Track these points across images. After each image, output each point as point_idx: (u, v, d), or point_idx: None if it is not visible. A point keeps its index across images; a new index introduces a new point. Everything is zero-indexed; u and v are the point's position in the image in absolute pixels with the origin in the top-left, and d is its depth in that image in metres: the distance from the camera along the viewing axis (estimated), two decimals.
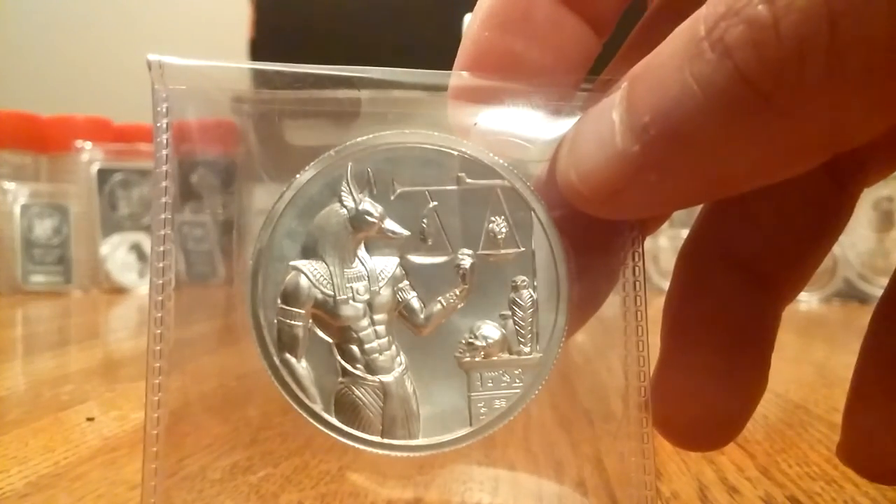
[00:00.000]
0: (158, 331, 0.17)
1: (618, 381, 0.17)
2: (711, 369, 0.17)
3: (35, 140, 0.86)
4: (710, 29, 0.12)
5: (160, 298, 0.17)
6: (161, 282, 0.17)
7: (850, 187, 0.18)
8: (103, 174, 0.85)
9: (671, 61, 0.13)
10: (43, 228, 0.82)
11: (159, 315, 0.17)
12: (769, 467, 0.24)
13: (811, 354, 0.49)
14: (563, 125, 0.17)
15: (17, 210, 0.82)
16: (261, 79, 0.17)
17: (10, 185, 0.82)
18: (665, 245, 0.80)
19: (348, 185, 0.17)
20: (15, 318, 0.68)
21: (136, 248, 0.84)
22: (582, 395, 0.24)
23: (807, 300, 0.80)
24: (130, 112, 0.83)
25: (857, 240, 0.79)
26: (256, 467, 0.21)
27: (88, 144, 0.85)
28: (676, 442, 0.18)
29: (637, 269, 0.17)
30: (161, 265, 0.17)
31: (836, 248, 0.78)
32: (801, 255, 0.18)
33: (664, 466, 0.24)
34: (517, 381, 0.17)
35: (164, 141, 0.17)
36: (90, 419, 0.30)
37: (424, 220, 0.17)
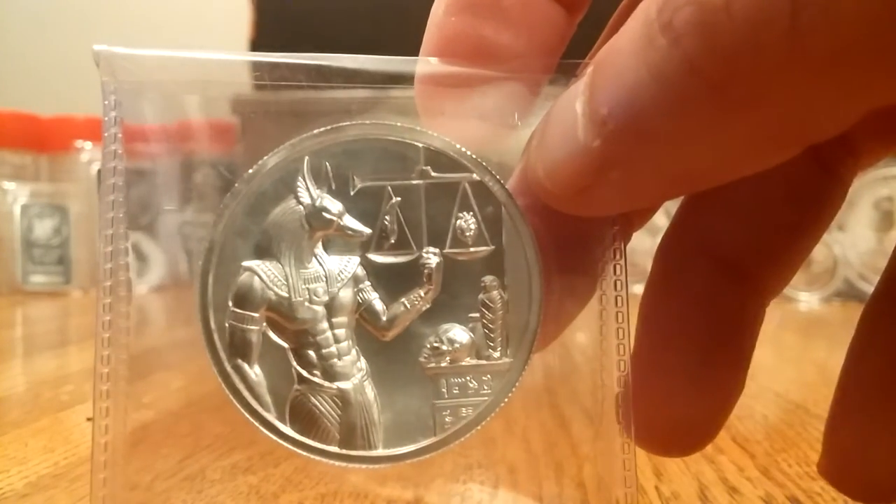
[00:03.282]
0: (107, 335, 0.16)
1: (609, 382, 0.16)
2: (684, 369, 0.16)
3: (35, 140, 0.87)
4: (660, 10, 0.11)
5: (108, 301, 0.16)
6: (108, 284, 0.16)
7: (840, 173, 0.17)
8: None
9: (628, 46, 0.12)
10: (43, 228, 0.82)
11: (108, 319, 0.16)
12: (769, 467, 0.23)
13: (811, 354, 0.49)
14: (536, 114, 0.16)
15: (17, 210, 0.82)
16: (219, 69, 0.16)
17: (10, 185, 0.83)
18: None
19: (304, 179, 0.16)
20: (15, 318, 0.69)
21: (135, 249, 0.84)
22: (582, 395, 0.23)
23: (807, 300, 0.79)
24: None
25: (857, 239, 0.78)
26: (256, 467, 0.21)
27: (88, 144, 0.85)
28: (645, 446, 0.17)
29: (619, 267, 0.16)
30: (108, 266, 0.16)
31: (836, 248, 0.78)
32: (784, 246, 0.17)
33: (664, 466, 0.23)
34: (485, 387, 0.16)
35: (113, 136, 0.16)
36: (90, 419, 0.29)
37: (386, 217, 0.16)
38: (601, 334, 0.16)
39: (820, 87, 0.10)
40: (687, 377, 0.16)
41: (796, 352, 0.48)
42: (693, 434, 0.16)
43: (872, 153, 0.17)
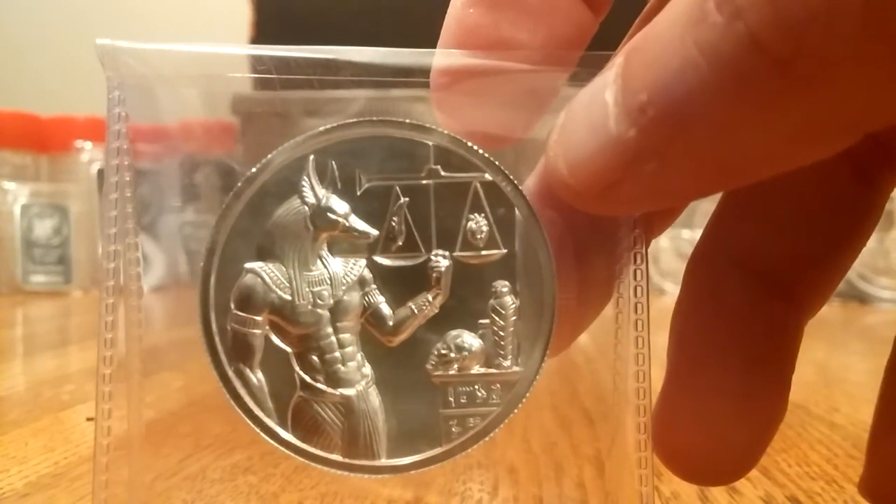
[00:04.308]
0: (109, 335, 0.15)
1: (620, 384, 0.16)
2: (724, 391, 0.15)
3: (35, 140, 0.86)
4: None
5: (111, 301, 0.15)
6: (111, 283, 0.15)
7: (878, 184, 0.16)
8: (103, 174, 0.84)
9: (672, 29, 0.11)
10: (43, 228, 0.82)
11: (110, 319, 0.15)
12: (769, 467, 0.23)
13: (811, 354, 0.48)
14: (555, 110, 0.15)
15: (17, 210, 0.82)
16: (225, 63, 0.16)
17: (10, 185, 0.82)
18: (665, 245, 0.78)
19: (309, 179, 0.15)
20: (15, 318, 0.69)
21: None
22: (582, 395, 0.23)
23: None
24: None
25: None
26: (256, 467, 0.20)
27: (88, 144, 0.85)
28: (683, 474, 0.16)
29: (639, 272, 0.15)
30: (111, 266, 0.15)
31: None
32: (824, 261, 0.16)
33: (664, 466, 0.23)
34: (494, 397, 0.15)
35: (117, 132, 0.16)
36: (90, 419, 0.29)
37: (394, 218, 0.15)
38: (615, 336, 0.15)
39: (892, 66, 0.09)
40: (729, 397, 0.15)
41: None
42: (736, 459, 0.15)
43: None
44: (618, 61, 0.12)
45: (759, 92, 0.10)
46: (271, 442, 0.15)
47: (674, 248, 0.76)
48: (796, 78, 0.10)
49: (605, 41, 0.16)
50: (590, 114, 0.12)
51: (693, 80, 0.10)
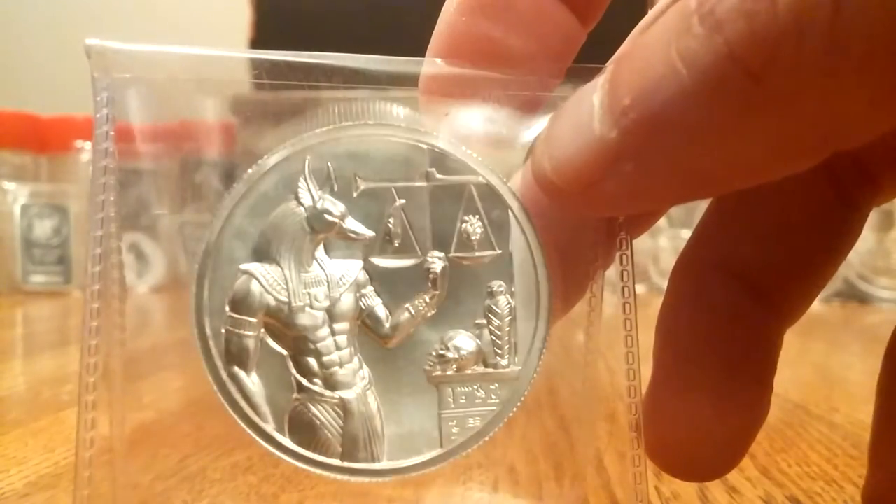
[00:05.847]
0: (94, 342, 0.15)
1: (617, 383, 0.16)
2: (704, 389, 0.15)
3: (35, 140, 0.86)
4: (700, 2, 0.11)
5: (95, 306, 0.15)
6: (96, 288, 0.15)
7: (858, 203, 0.16)
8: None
9: (660, 39, 0.11)
10: (43, 228, 0.82)
11: (94, 324, 0.15)
12: (769, 467, 0.23)
13: (811, 354, 0.49)
14: (543, 117, 0.15)
15: (16, 210, 0.81)
16: (216, 66, 0.16)
17: (9, 185, 0.82)
18: (665, 245, 0.79)
19: (306, 180, 0.15)
20: (15, 318, 0.69)
21: (135, 249, 0.83)
22: (582, 395, 0.22)
23: None
24: None
25: None
26: (256, 467, 0.20)
27: (88, 144, 0.84)
28: (668, 468, 0.16)
29: (626, 273, 0.16)
30: (97, 269, 0.15)
31: None
32: (803, 273, 0.16)
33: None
34: (493, 396, 0.15)
35: (105, 133, 0.15)
36: None
37: (390, 220, 0.15)
38: (587, 335, 0.16)
39: (855, 86, 0.10)
40: (709, 395, 0.15)
41: (795, 352, 0.47)
42: (717, 456, 0.16)
43: (892, 186, 0.16)
44: (608, 67, 0.13)
45: (733, 102, 0.11)
46: (268, 447, 0.15)
47: (673, 248, 0.77)
48: (768, 90, 0.10)
49: (592, 54, 0.16)
50: (577, 114, 0.13)
51: (673, 86, 0.11)
